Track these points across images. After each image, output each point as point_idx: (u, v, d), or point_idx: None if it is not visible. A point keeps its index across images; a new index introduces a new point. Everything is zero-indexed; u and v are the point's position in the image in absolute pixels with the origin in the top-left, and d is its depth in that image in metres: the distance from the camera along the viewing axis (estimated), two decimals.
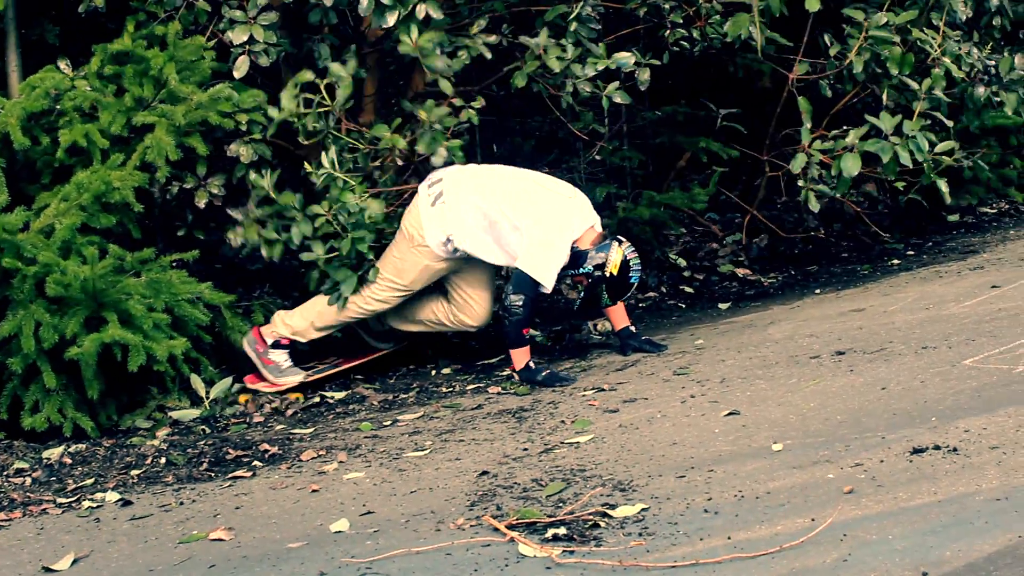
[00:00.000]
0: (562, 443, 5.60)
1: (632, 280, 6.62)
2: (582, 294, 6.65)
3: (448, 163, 6.74)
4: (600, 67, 6.99)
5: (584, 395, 6.28)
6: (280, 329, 6.78)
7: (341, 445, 5.99)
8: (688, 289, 7.98)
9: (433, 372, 7.12)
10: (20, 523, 5.37)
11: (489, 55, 6.93)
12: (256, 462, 5.88)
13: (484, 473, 5.33)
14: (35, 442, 6.24)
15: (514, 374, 6.64)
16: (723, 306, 7.73)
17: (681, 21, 7.50)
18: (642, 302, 7.61)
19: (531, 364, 6.59)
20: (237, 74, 6.83)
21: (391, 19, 6.65)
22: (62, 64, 6.90)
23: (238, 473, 5.74)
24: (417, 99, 7.43)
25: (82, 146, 6.63)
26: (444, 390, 6.77)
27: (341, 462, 5.73)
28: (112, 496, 5.57)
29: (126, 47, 6.84)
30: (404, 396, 6.73)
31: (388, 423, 6.26)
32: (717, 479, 4.93)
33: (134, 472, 5.90)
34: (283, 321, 6.79)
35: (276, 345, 6.78)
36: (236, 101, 6.77)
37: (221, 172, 6.91)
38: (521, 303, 6.48)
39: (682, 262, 7.91)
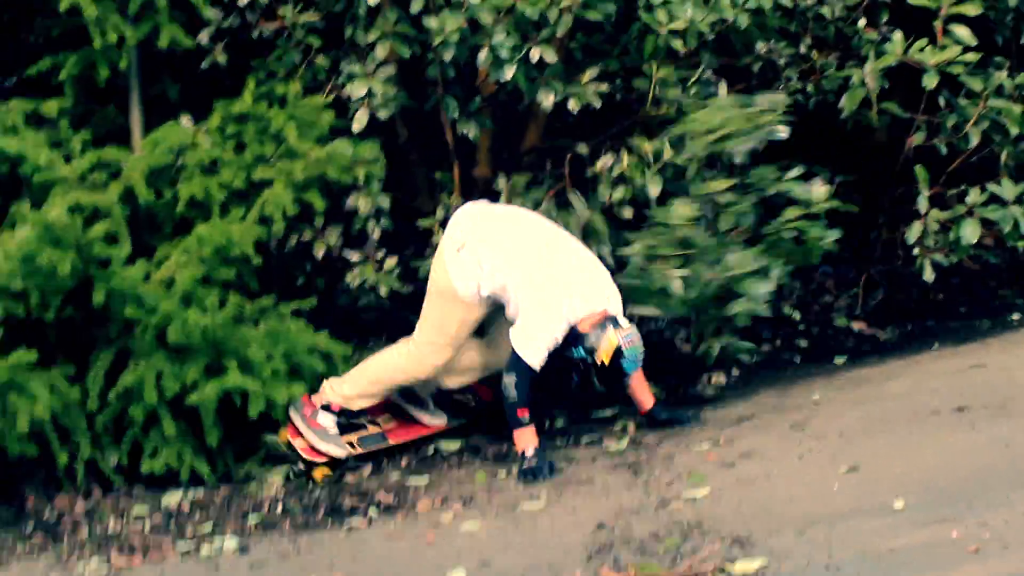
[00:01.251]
0: (679, 496, 5.57)
1: (628, 370, 6.24)
2: (575, 378, 6.42)
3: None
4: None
5: (700, 448, 6.23)
6: (329, 395, 6.52)
7: (456, 495, 5.99)
8: (803, 343, 7.88)
9: (547, 424, 7.10)
10: (141, 569, 5.45)
11: (598, 104, 6.94)
12: (372, 511, 5.90)
13: (601, 526, 5.31)
14: (154, 487, 6.31)
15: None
16: (839, 360, 7.63)
17: (796, 76, 7.46)
18: (757, 356, 7.53)
19: (527, 451, 6.20)
20: (356, 127, 6.91)
21: (508, 72, 6.70)
22: (184, 120, 7.03)
23: (354, 522, 5.78)
24: (531, 152, 7.47)
25: (201, 200, 6.74)
26: (559, 442, 6.75)
27: (457, 513, 5.73)
28: (231, 543, 5.62)
29: (247, 105, 6.96)
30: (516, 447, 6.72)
31: (503, 474, 6.26)
32: (838, 536, 4.87)
33: (252, 519, 5.94)
34: (332, 388, 6.55)
35: (326, 408, 6.53)
36: (354, 156, 6.85)
37: (338, 222, 6.98)
38: (513, 384, 6.17)
39: (796, 315, 7.83)
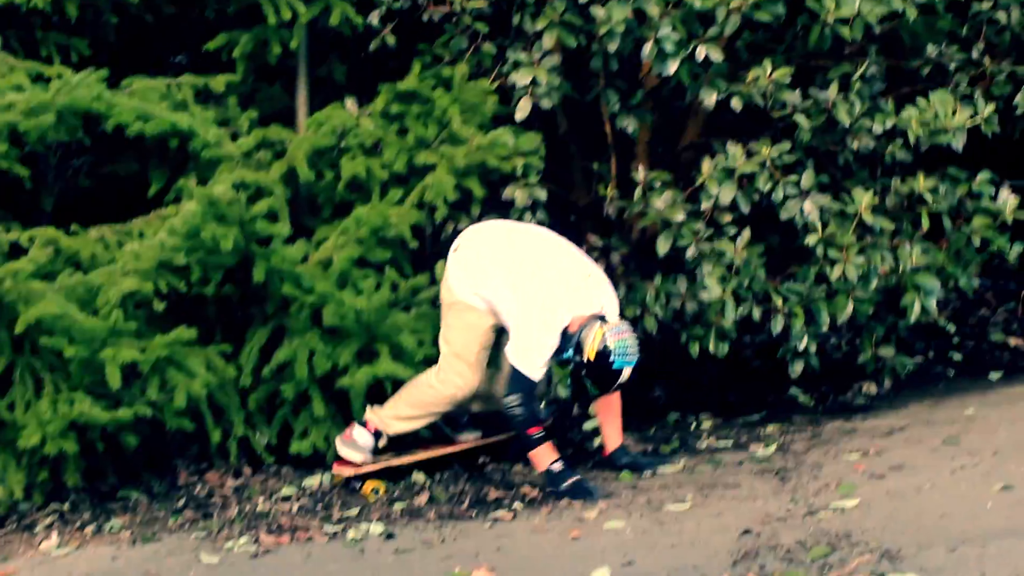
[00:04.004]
0: (827, 506, 5.49)
1: (616, 366, 5.91)
2: (569, 384, 6.13)
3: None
4: (889, 124, 6.84)
5: (849, 458, 6.15)
6: (368, 414, 6.32)
7: (601, 492, 5.98)
8: (956, 356, 7.75)
9: (693, 426, 7.08)
10: (288, 548, 5.52)
11: (762, 102, 6.86)
12: (516, 504, 5.91)
13: (747, 531, 5.25)
14: (302, 468, 6.38)
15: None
16: (994, 376, 7.49)
17: (966, 81, 7.31)
18: (909, 367, 7.40)
19: (553, 468, 5.95)
20: (519, 115, 6.91)
21: (672, 66, 6.63)
22: (348, 102, 7.11)
23: (498, 514, 5.79)
24: (689, 149, 7.42)
25: (362, 180, 6.82)
26: (704, 444, 6.72)
27: (601, 510, 5.72)
28: (376, 528, 5.67)
29: (412, 87, 7.02)
30: (664, 447, 6.70)
31: (648, 474, 6.24)
32: (990, 555, 4.76)
33: (397, 506, 6.00)
34: (371, 409, 6.31)
35: (362, 424, 6.31)
36: (515, 146, 6.87)
37: (494, 212, 7.00)
38: (517, 402, 5.92)
39: (951, 328, 7.67)
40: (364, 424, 6.30)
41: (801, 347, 6.79)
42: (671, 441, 6.80)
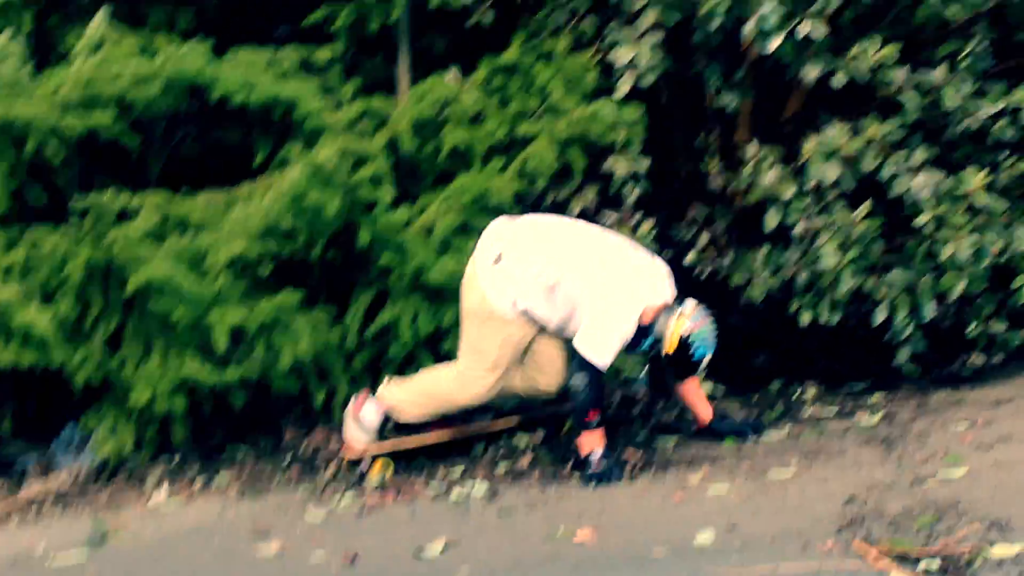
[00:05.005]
0: (933, 475, 5.43)
1: (696, 356, 5.86)
2: (646, 371, 6.01)
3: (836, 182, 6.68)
4: (1000, 105, 6.74)
5: (956, 428, 6.08)
6: (382, 391, 6.16)
7: (704, 457, 5.97)
8: None
9: (797, 394, 7.03)
10: (394, 506, 5.57)
11: (866, 79, 6.78)
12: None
13: (852, 499, 5.21)
14: (404, 429, 6.35)
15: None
16: None
17: None
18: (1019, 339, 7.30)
19: (592, 457, 5.82)
20: (620, 92, 6.90)
21: (774, 44, 6.56)
22: (450, 74, 7.13)
23: None
24: (791, 121, 7.37)
25: (463, 150, 6.84)
26: (808, 412, 6.67)
27: (705, 475, 5.70)
28: (480, 488, 5.70)
29: (513, 59, 7.04)
30: (768, 415, 6.67)
31: (751, 440, 6.21)
32: None
33: (502, 466, 6.02)
34: (388, 386, 6.16)
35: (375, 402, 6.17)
36: (616, 118, 6.86)
37: (595, 182, 7.00)
38: (582, 384, 5.78)
39: None
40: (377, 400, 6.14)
41: (904, 336, 6.74)
42: (775, 408, 6.76)
